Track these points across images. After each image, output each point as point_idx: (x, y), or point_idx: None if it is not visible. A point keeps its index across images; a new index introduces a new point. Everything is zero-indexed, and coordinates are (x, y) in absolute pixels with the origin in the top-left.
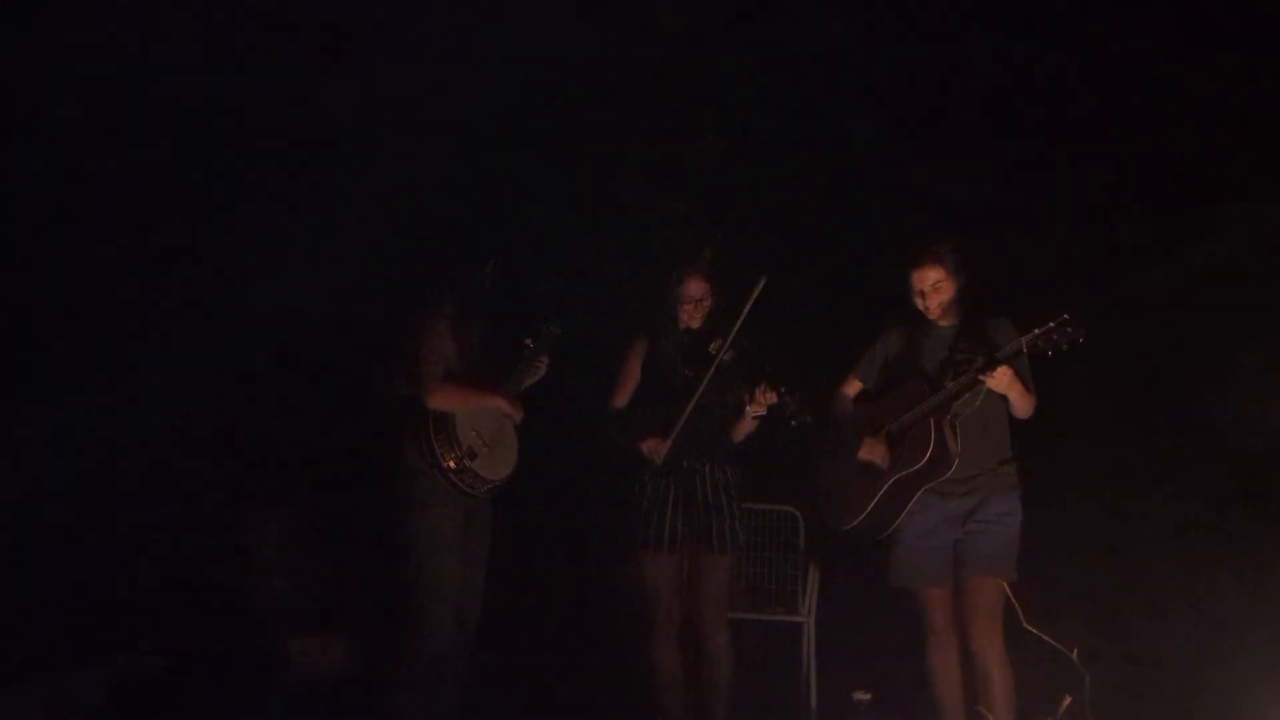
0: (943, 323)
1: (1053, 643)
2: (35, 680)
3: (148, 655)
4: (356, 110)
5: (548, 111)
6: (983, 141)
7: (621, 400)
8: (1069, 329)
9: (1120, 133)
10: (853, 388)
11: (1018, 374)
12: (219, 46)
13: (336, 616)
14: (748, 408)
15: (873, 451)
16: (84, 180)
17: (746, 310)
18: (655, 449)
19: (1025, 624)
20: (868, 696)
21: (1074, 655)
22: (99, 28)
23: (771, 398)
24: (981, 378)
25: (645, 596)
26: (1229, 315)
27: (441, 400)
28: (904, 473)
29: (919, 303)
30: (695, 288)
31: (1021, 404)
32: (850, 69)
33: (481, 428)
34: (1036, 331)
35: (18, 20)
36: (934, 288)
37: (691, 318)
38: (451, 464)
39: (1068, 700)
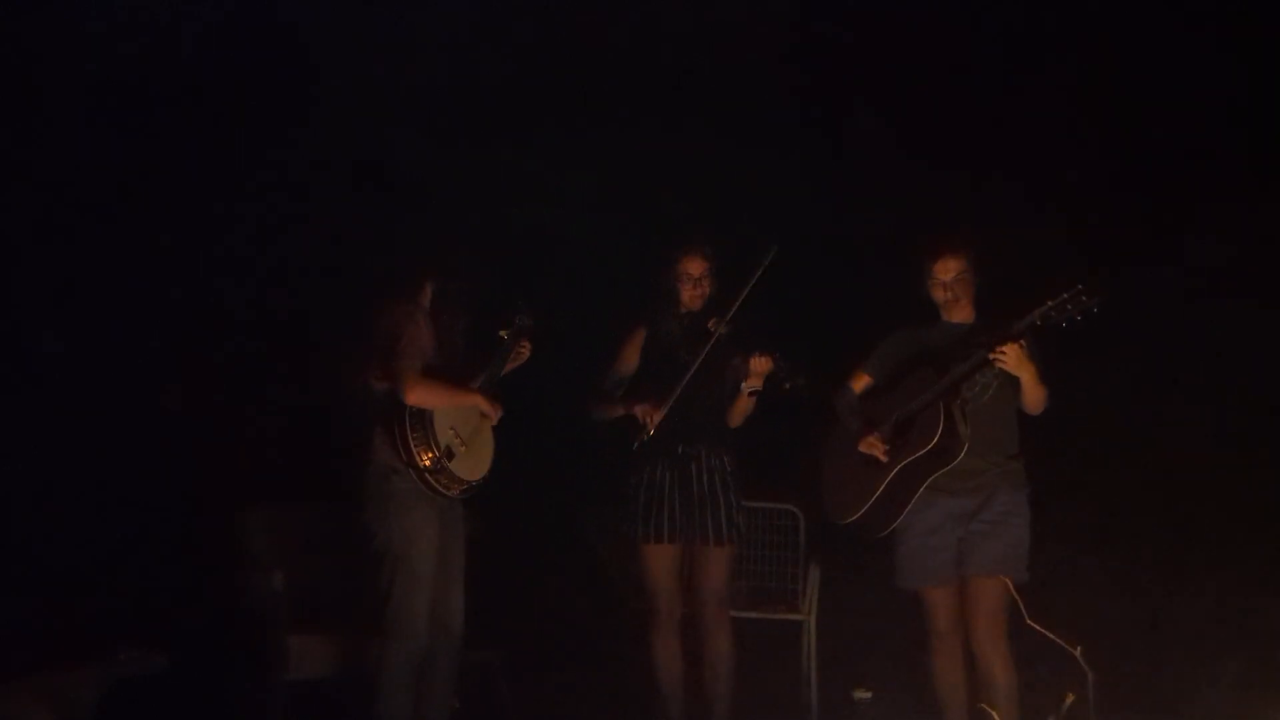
0: (955, 320)
1: (1057, 640)
2: (35, 680)
3: (148, 655)
4: (338, 95)
5: (539, 103)
6: (984, 142)
7: (609, 383)
8: (1083, 298)
9: (1120, 134)
10: (860, 383)
11: (1031, 359)
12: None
13: (334, 616)
14: (743, 383)
15: (875, 445)
16: (56, 173)
17: (755, 279)
18: (649, 413)
19: (1028, 621)
20: (868, 695)
21: (1078, 653)
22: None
23: (766, 364)
24: (991, 355)
25: (645, 590)
26: (1230, 316)
27: (419, 396)
28: (910, 458)
29: (939, 295)
30: (694, 266)
31: (1033, 392)
32: (853, 65)
33: (459, 426)
34: (1050, 303)
35: None
36: (957, 279)
37: (692, 299)
38: (428, 463)
39: (1070, 698)
